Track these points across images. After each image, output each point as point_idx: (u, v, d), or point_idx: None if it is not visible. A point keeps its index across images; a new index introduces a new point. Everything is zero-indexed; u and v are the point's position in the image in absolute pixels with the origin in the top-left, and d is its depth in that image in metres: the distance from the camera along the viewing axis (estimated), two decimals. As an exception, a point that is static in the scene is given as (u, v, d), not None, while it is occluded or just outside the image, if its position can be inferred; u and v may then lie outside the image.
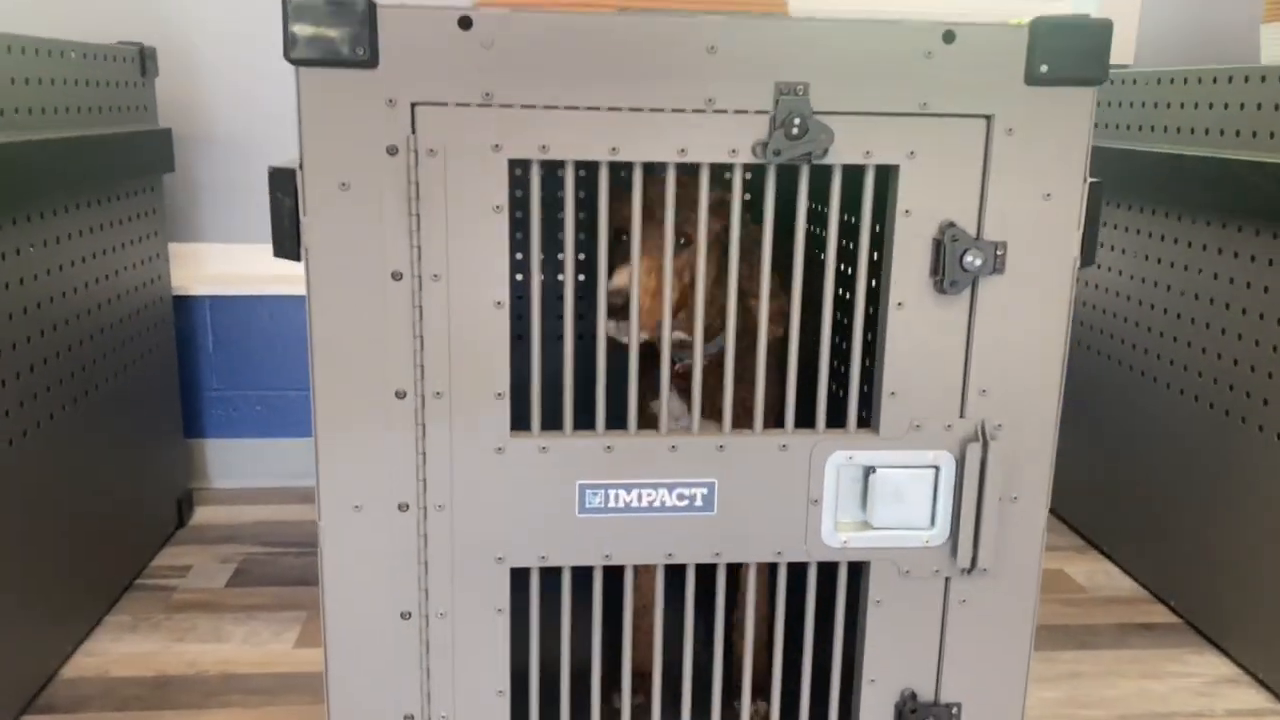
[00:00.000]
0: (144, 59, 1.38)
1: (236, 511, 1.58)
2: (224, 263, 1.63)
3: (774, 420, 0.79)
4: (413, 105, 0.66)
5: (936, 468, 0.74)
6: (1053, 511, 1.66)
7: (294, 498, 1.63)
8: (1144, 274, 1.39)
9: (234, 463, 1.67)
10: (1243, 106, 1.20)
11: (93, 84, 1.25)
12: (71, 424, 1.18)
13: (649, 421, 0.88)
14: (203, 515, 1.57)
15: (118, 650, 1.20)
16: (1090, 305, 1.56)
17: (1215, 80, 1.24)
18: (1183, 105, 1.31)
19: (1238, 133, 1.20)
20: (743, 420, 0.77)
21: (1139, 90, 1.41)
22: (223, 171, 1.60)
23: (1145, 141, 1.41)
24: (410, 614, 0.74)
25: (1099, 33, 0.68)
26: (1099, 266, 1.53)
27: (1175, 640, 1.26)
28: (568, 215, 0.70)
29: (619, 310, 0.75)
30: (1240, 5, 1.71)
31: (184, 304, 1.60)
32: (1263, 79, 1.16)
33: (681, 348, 0.88)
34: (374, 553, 0.72)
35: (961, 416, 0.74)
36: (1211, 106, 1.25)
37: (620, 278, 0.77)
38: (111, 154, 1.25)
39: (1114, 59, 1.71)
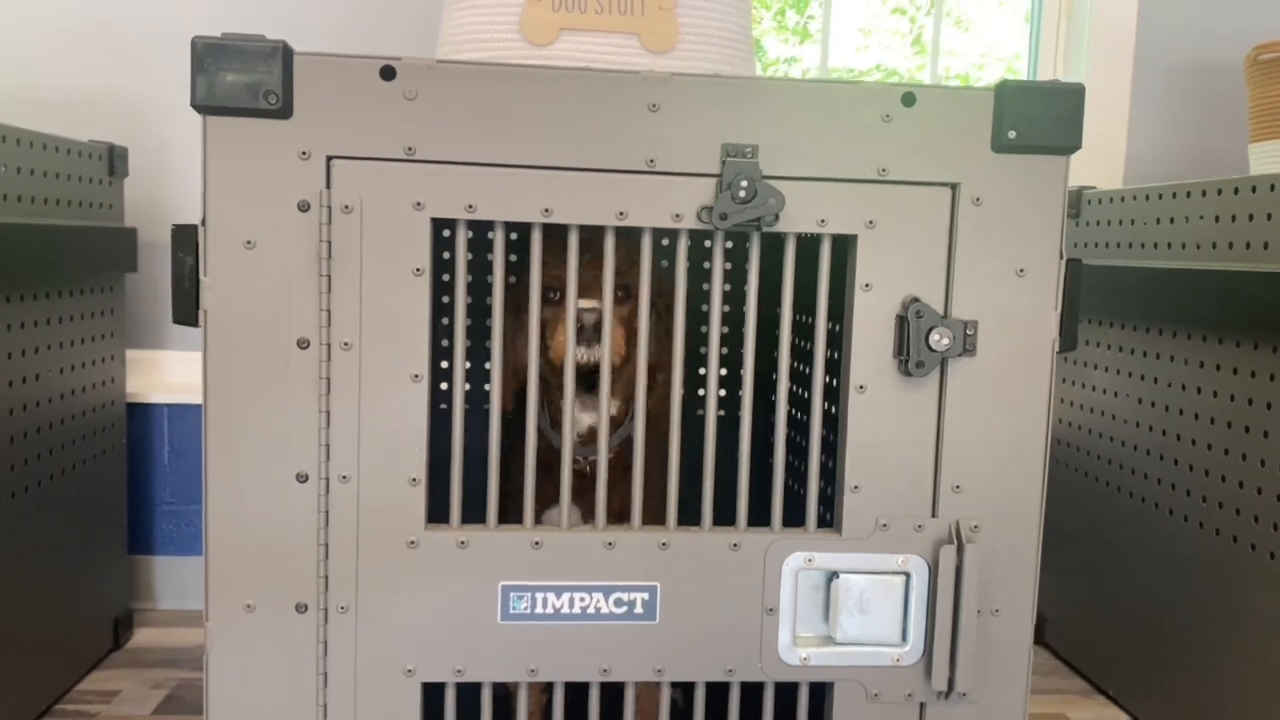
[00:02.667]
0: (113, 158, 1.36)
1: (178, 634, 1.48)
2: (185, 371, 1.57)
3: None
4: (328, 159, 0.61)
5: (907, 574, 0.66)
6: (1051, 649, 1.55)
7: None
8: (1139, 393, 1.33)
9: (182, 582, 1.57)
10: (1234, 219, 1.15)
11: (60, 177, 1.22)
12: (18, 520, 1.10)
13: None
14: (141, 637, 1.46)
15: (19, 783, 1.09)
16: (1078, 426, 1.49)
17: (1205, 194, 1.21)
18: (1172, 220, 1.28)
19: (1230, 245, 1.16)
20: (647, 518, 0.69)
21: (1127, 208, 1.38)
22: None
23: (1133, 258, 1.37)
24: (305, 734, 0.64)
25: (1070, 98, 0.63)
26: (1087, 387, 1.46)
27: (1192, 794, 1.14)
28: (496, 281, 0.64)
29: (587, 333, 0.69)
30: (1226, 127, 1.70)
31: (139, 411, 1.53)
32: (1253, 189, 1.13)
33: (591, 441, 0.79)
34: (266, 661, 0.63)
35: (934, 515, 0.66)
36: (1202, 219, 1.21)
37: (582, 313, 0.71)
38: (72, 247, 1.21)
39: (1104, 184, 1.69)
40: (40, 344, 1.18)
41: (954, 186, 0.64)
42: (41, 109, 1.54)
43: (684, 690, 0.89)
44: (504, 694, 0.86)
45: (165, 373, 1.59)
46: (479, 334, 1.00)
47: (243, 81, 0.59)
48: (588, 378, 0.72)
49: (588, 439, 0.79)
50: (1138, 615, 1.35)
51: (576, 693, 0.79)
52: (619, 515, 0.69)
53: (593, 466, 0.77)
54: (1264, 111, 1.32)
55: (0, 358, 1.09)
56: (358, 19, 1.55)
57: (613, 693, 0.81)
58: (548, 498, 0.76)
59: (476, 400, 1.00)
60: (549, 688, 0.67)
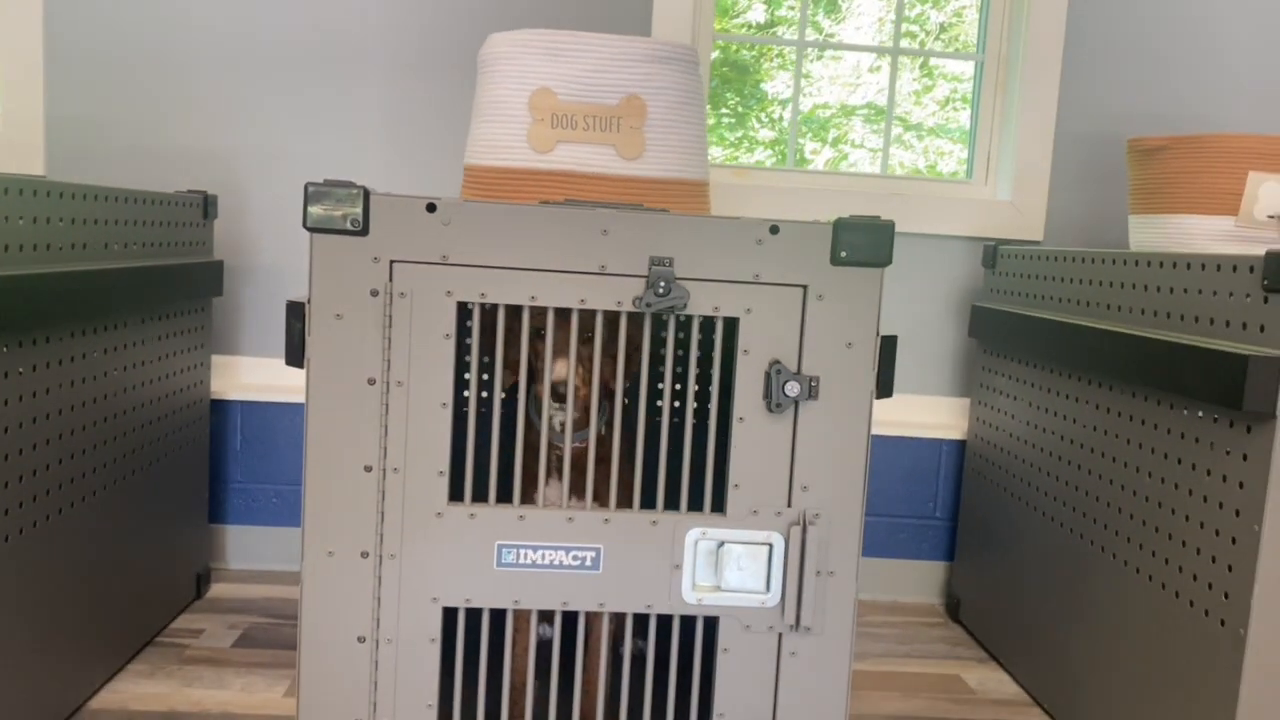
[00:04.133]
0: (206, 204, 1.70)
1: (247, 589, 1.82)
2: (256, 374, 1.92)
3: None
4: (391, 262, 0.93)
5: (770, 544, 0.98)
6: (964, 626, 1.86)
7: (299, 580, 1.86)
8: (1035, 421, 1.63)
9: (249, 547, 1.92)
10: (1122, 285, 1.46)
11: (164, 225, 1.56)
12: (114, 500, 1.45)
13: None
14: (218, 590, 1.81)
15: (136, 690, 1.43)
16: (990, 444, 1.80)
17: (1093, 260, 1.52)
18: (1071, 280, 1.58)
19: (1108, 306, 1.46)
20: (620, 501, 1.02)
21: (1033, 264, 1.68)
22: (263, 296, 1.90)
23: (1040, 309, 1.67)
24: (364, 639, 0.97)
25: (884, 231, 0.95)
26: (999, 411, 1.77)
27: (1040, 734, 1.45)
28: (498, 342, 0.97)
29: (558, 395, 1.02)
30: (1122, 195, 2.00)
31: (220, 406, 1.88)
32: (1136, 264, 1.43)
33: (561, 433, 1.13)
34: (340, 589, 0.96)
35: (788, 506, 0.98)
36: (1091, 283, 1.52)
37: (559, 370, 1.03)
38: (174, 281, 1.55)
39: (1026, 235, 1.99)
40: (148, 356, 1.52)
41: (805, 287, 0.96)
42: (146, 160, 1.89)
43: (639, 632, 1.22)
44: (498, 625, 1.20)
45: (240, 375, 1.93)
46: (490, 374, 1.33)
47: (337, 214, 0.92)
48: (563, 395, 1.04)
49: (562, 433, 1.12)
50: (1025, 600, 1.66)
51: (542, 639, 1.11)
52: (593, 491, 1.04)
53: (570, 452, 1.10)
54: (1139, 190, 1.63)
55: (118, 367, 1.43)
56: (413, 118, 1.88)
57: (572, 632, 1.13)
58: (535, 475, 1.10)
59: (488, 418, 1.33)
60: (528, 620, 1.00)
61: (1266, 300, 1.09)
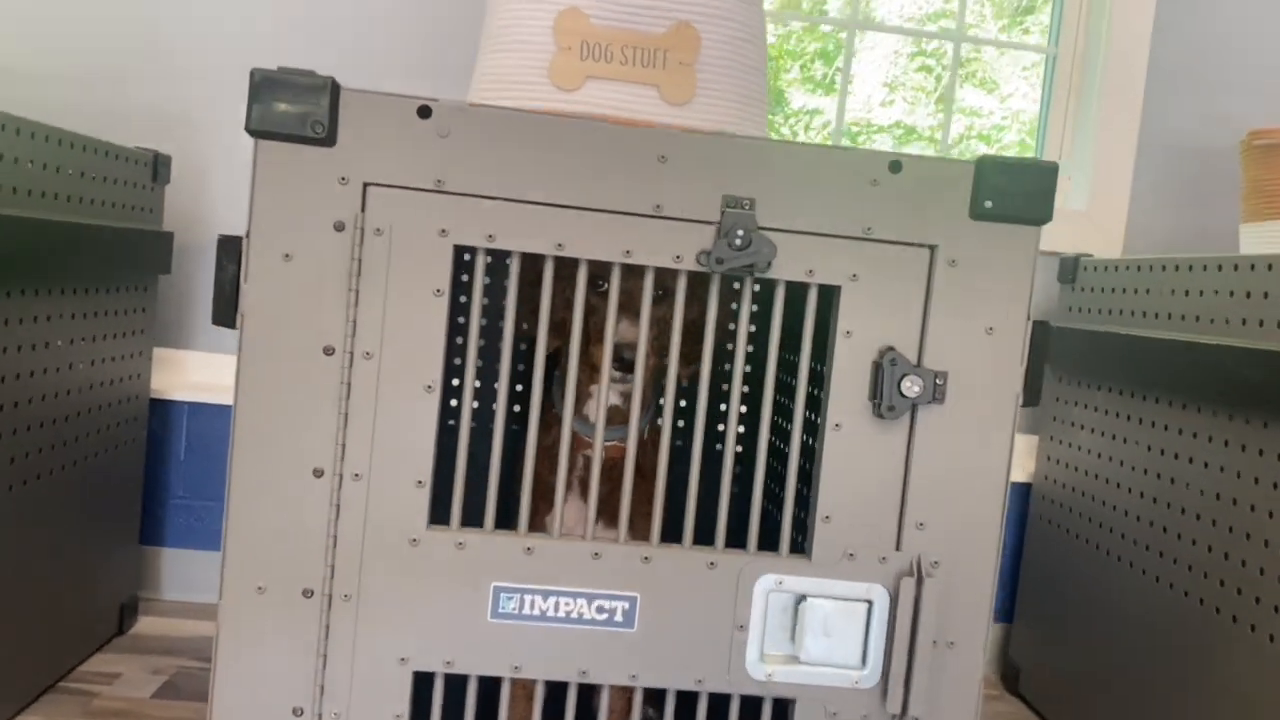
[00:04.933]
0: (157, 165, 1.43)
1: (181, 624, 1.53)
2: (207, 371, 1.64)
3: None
4: (364, 185, 0.67)
5: (870, 601, 0.71)
6: (1024, 700, 1.58)
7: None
8: (1122, 456, 1.37)
9: (188, 574, 1.63)
10: (1219, 293, 1.21)
11: (106, 180, 1.29)
12: (21, 510, 1.16)
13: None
14: (145, 624, 1.52)
15: (21, 752, 1.14)
16: (1063, 485, 1.53)
17: (1194, 268, 1.26)
18: (1163, 291, 1.33)
19: (1212, 320, 1.21)
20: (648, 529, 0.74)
21: (1120, 277, 1.43)
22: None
23: (1123, 325, 1.42)
24: (303, 711, 0.69)
25: (1044, 174, 0.69)
26: (1073, 447, 1.51)
27: (1147, 846, 1.17)
28: (509, 306, 0.70)
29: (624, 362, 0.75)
30: (1221, 206, 1.76)
31: (160, 407, 1.59)
32: (1252, 267, 1.18)
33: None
34: (272, 641, 0.69)
35: (897, 549, 0.71)
36: (1201, 294, 1.27)
37: (626, 330, 0.77)
38: (111, 246, 1.28)
39: (1103, 251, 1.74)
40: (74, 335, 1.24)
41: (933, 248, 0.70)
42: (99, 119, 1.62)
43: (655, 702, 0.94)
44: (491, 690, 0.91)
45: (189, 372, 1.65)
46: (494, 353, 1.06)
47: (293, 111, 0.66)
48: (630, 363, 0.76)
49: (612, 418, 0.84)
50: (1106, 674, 1.39)
51: (556, 695, 0.84)
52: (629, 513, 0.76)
53: (601, 462, 0.82)
54: (1255, 194, 1.38)
55: (31, 346, 1.15)
56: (403, 54, 1.63)
57: (588, 699, 0.86)
58: (550, 489, 0.82)
59: (487, 414, 1.05)
60: (531, 691, 0.72)
61: None
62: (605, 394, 0.72)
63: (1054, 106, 1.83)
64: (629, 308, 0.77)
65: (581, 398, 0.85)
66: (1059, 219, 1.75)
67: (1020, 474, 1.71)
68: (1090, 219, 1.75)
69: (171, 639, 1.48)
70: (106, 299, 1.33)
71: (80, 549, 1.34)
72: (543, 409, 0.75)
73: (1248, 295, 1.14)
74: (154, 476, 1.61)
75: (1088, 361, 1.45)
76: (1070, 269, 1.59)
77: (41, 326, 1.18)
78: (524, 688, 0.85)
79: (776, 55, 1.99)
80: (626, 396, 0.83)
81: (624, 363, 0.76)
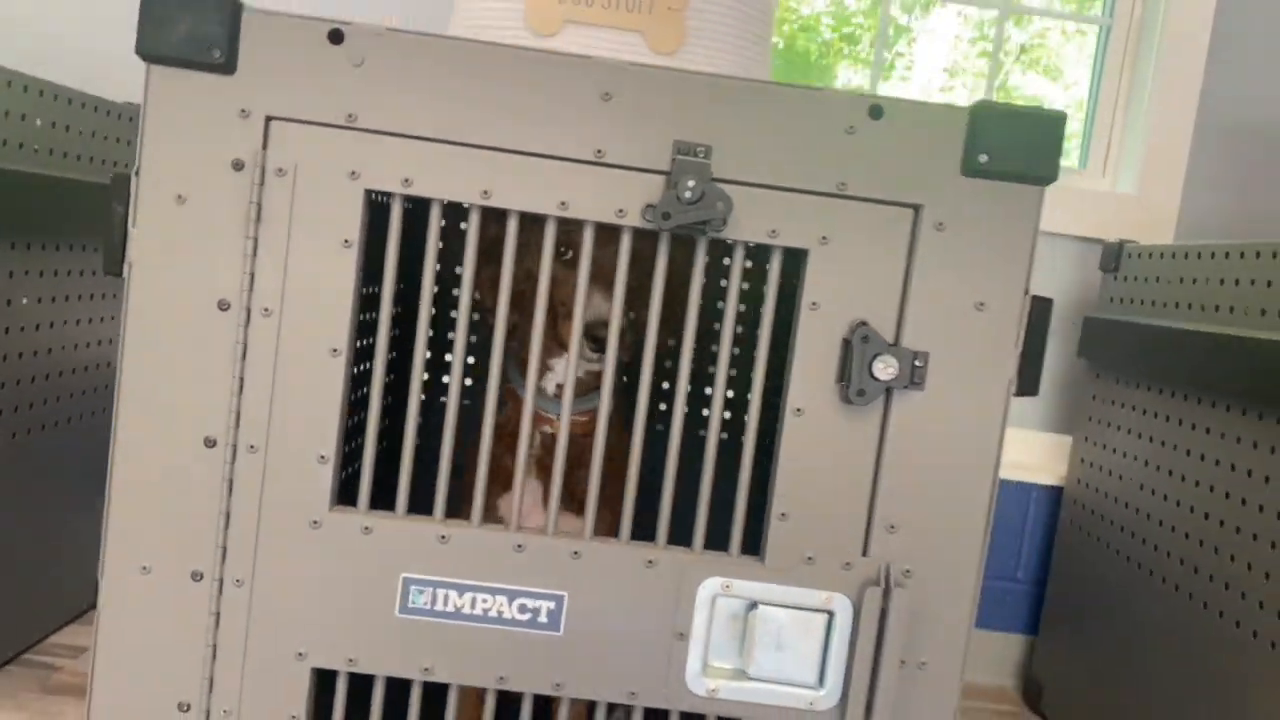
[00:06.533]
0: (144, 121, 1.37)
1: (161, 598, 1.48)
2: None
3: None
4: (267, 119, 0.59)
5: (830, 613, 0.62)
6: (1040, 713, 1.47)
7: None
8: (1164, 462, 1.26)
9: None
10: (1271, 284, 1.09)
11: (95, 135, 1.24)
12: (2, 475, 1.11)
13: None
14: (125, 598, 1.47)
15: (-32, 726, 1.09)
16: (1098, 490, 1.42)
17: (1247, 256, 1.14)
18: (1215, 280, 1.21)
19: (1263, 311, 1.09)
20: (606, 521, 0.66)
21: (1167, 265, 1.31)
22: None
23: (1168, 318, 1.30)
24: (189, 706, 0.62)
25: (1050, 125, 0.59)
26: (1106, 449, 1.39)
27: None
28: (428, 260, 0.62)
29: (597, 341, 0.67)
30: (1273, 193, 1.62)
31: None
32: (1293, 253, 1.06)
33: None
34: (157, 627, 0.62)
35: (864, 554, 0.62)
36: (1240, 283, 1.15)
37: (597, 305, 0.68)
38: (92, 202, 1.22)
39: (1153, 237, 1.62)
40: (50, 293, 1.19)
41: (917, 208, 0.60)
42: (80, 69, 1.57)
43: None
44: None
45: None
46: (440, 320, 0.98)
47: (189, 33, 0.58)
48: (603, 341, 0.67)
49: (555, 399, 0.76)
50: (1133, 697, 1.28)
51: (509, 700, 0.76)
52: (579, 496, 0.68)
53: (554, 439, 0.74)
54: (1321, 177, 1.25)
55: (16, 297, 1.10)
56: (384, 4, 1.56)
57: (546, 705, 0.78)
58: (507, 477, 0.73)
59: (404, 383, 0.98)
60: (482, 694, 0.64)
61: None
62: (573, 371, 0.63)
63: (1106, 82, 1.71)
64: (599, 278, 0.68)
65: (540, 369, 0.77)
66: (1103, 201, 1.63)
67: (1051, 477, 1.60)
68: (1140, 203, 1.63)
69: (148, 613, 1.43)
70: (84, 256, 1.27)
71: (53, 515, 1.29)
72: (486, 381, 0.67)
73: None
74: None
75: (1129, 357, 1.34)
76: (1114, 256, 1.47)
77: (22, 282, 1.13)
78: (474, 690, 0.78)
79: (820, 48, 1.88)
80: (593, 372, 0.75)
81: (597, 341, 0.68)
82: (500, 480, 0.74)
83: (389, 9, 1.54)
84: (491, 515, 0.75)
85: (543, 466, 0.75)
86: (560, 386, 0.75)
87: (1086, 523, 1.44)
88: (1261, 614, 1.04)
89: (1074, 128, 1.80)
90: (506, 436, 0.74)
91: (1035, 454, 1.65)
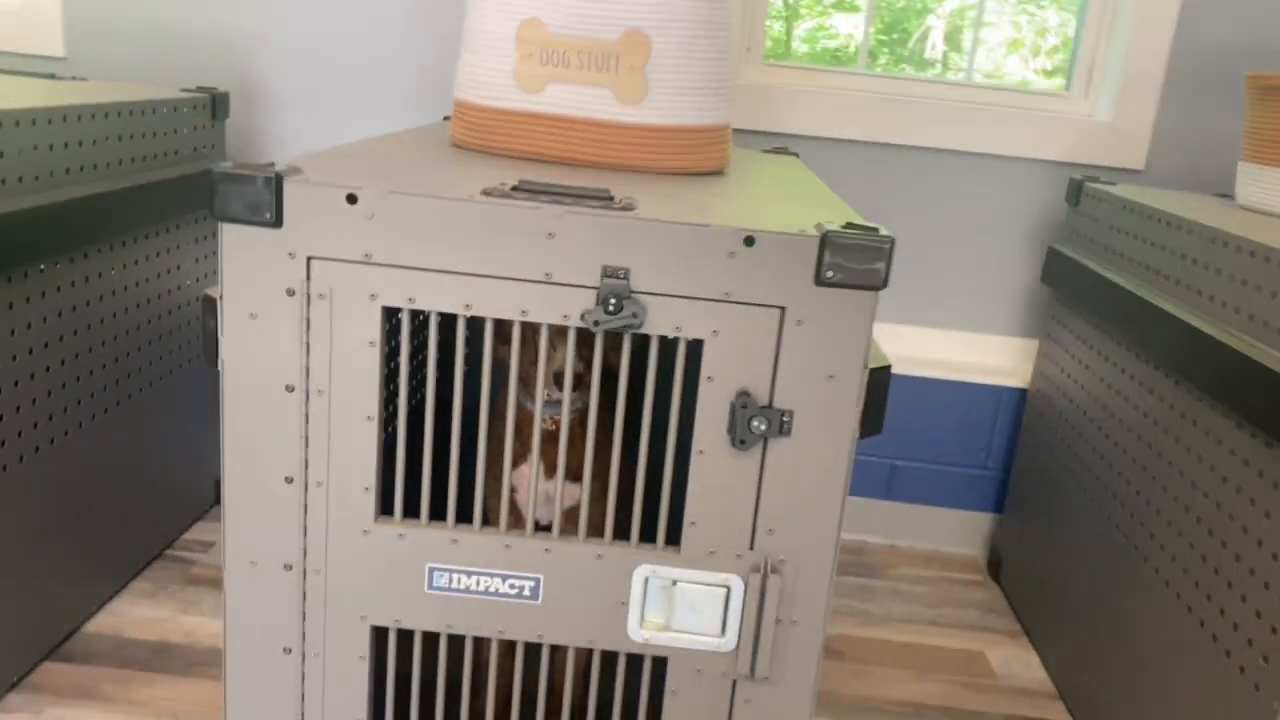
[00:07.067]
0: (215, 105, 1.59)
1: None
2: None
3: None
4: (308, 258, 0.82)
5: (728, 587, 0.88)
6: (1003, 589, 1.74)
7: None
8: (1095, 392, 1.45)
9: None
10: (1219, 271, 1.25)
11: (173, 133, 1.47)
12: (130, 413, 1.41)
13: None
14: (238, 495, 1.81)
15: (133, 614, 1.44)
16: (1051, 398, 1.63)
17: (1188, 231, 1.30)
18: (1157, 245, 1.37)
19: (1200, 291, 1.26)
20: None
21: (1127, 218, 1.46)
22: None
23: (1119, 270, 1.47)
24: (291, 650, 0.92)
25: (880, 250, 0.79)
26: (1069, 355, 1.59)
27: (1056, 738, 1.35)
28: (430, 354, 0.86)
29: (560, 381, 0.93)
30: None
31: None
32: (1252, 255, 1.22)
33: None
34: (263, 600, 0.90)
35: (751, 549, 0.87)
36: (1185, 259, 1.31)
37: (559, 358, 0.95)
38: (181, 194, 1.47)
39: (1126, 163, 1.75)
40: (159, 270, 1.46)
41: (783, 309, 0.81)
42: (139, 51, 1.78)
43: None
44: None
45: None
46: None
47: (246, 202, 0.81)
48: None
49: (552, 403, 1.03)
50: (1062, 577, 1.53)
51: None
52: (575, 472, 1.00)
53: (557, 425, 1.01)
54: (1253, 135, 1.39)
55: (128, 283, 1.37)
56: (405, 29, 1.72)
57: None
58: (517, 456, 1.04)
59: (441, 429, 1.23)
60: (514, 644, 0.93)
61: (1365, 332, 0.90)
62: (541, 396, 0.88)
63: (1092, 5, 1.80)
64: (563, 338, 0.93)
65: (529, 383, 1.02)
66: (1081, 127, 1.76)
67: (1018, 379, 1.80)
68: (1113, 129, 1.75)
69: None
70: (181, 233, 1.53)
71: (178, 438, 1.61)
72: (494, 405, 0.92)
73: (1218, 271, 1.18)
74: (238, 369, 1.86)
75: (1078, 295, 1.52)
76: (1076, 191, 1.63)
77: (130, 270, 1.40)
78: (502, 647, 1.09)
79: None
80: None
81: (558, 379, 0.93)
82: (516, 458, 1.02)
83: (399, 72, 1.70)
84: (498, 493, 1.02)
85: (544, 449, 1.02)
86: (549, 399, 1.01)
87: (1046, 421, 1.65)
88: (1156, 549, 1.28)
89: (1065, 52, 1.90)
90: (522, 428, 1.02)
91: (1007, 357, 1.85)
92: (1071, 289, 1.53)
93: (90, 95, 1.36)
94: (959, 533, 1.87)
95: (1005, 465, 1.84)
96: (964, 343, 1.83)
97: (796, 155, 1.53)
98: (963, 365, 1.81)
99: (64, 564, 1.33)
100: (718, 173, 1.17)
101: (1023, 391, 1.80)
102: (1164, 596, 1.20)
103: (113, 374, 1.39)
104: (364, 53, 1.74)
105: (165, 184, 1.43)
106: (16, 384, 1.19)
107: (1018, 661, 1.52)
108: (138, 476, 1.49)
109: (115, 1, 1.75)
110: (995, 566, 1.79)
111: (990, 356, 1.84)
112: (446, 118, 1.53)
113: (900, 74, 1.86)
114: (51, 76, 1.63)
